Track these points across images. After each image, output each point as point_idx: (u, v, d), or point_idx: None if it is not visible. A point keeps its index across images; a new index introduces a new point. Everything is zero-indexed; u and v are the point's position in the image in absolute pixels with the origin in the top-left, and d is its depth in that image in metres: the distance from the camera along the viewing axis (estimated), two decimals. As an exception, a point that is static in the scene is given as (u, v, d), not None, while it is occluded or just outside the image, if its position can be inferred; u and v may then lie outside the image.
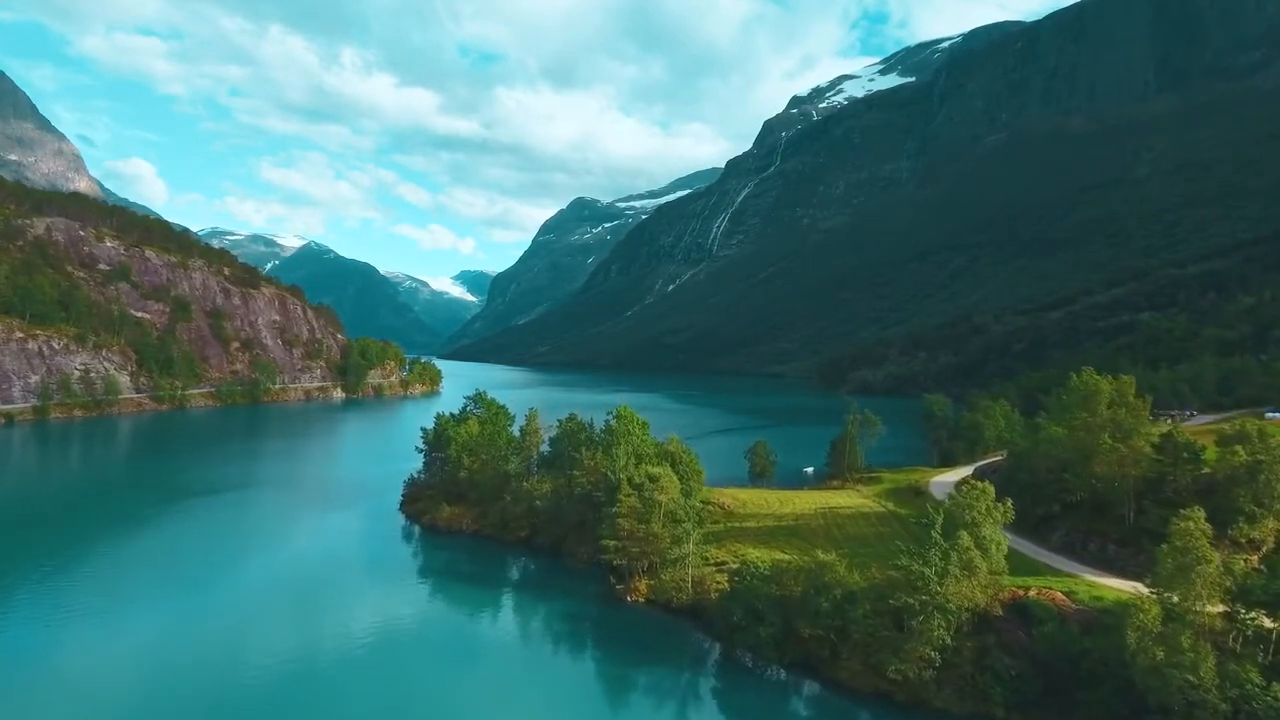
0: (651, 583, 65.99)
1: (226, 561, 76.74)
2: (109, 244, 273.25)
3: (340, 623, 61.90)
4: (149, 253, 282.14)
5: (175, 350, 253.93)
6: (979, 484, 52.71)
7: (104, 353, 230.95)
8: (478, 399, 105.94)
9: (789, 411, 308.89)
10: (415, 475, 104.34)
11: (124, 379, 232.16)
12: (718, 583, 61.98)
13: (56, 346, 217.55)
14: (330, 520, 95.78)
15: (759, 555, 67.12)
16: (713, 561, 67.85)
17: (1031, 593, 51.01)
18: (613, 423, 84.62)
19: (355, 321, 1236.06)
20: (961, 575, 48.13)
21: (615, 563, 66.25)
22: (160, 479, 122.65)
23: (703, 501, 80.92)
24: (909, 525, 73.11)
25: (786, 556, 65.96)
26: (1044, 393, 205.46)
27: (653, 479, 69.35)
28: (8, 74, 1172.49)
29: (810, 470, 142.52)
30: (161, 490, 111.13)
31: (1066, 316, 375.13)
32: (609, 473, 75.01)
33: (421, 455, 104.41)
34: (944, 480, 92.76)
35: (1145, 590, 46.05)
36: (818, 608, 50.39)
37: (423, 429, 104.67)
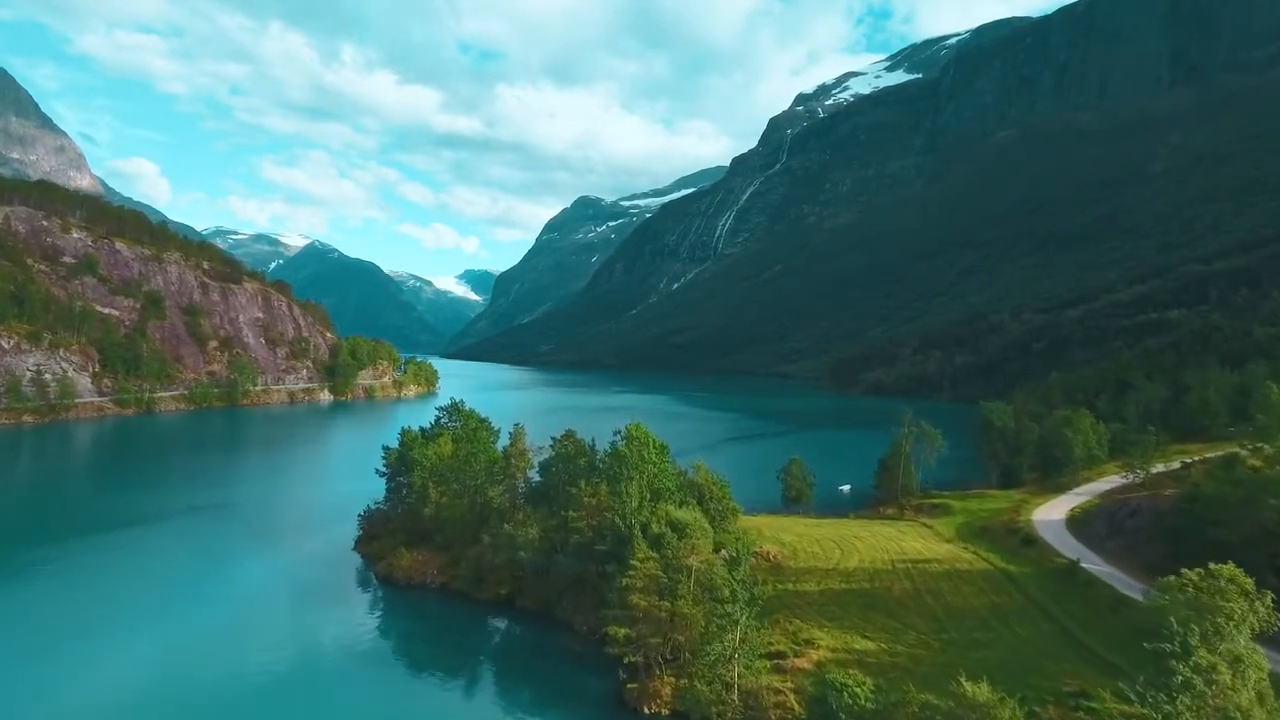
0: (679, 683, 44.81)
1: (110, 629, 57.47)
2: (75, 235, 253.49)
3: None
4: (119, 245, 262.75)
5: (144, 349, 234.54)
6: (1221, 568, 33.37)
7: (61, 352, 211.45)
8: (453, 410, 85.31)
9: (804, 414, 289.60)
10: (375, 505, 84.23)
11: (84, 381, 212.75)
12: (778, 695, 41.98)
13: (6, 345, 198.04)
14: (265, 563, 75.81)
15: (829, 641, 47.55)
16: (763, 650, 47.20)
17: (1323, 754, 31.68)
18: (621, 446, 62.63)
19: (359, 321, 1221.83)
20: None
21: (628, 660, 46.00)
22: (78, 503, 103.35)
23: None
24: (1032, 594, 53.22)
25: (870, 645, 46.43)
26: (1096, 395, 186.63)
27: (678, 529, 49.33)
28: (9, 72, 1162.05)
29: (846, 488, 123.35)
30: (68, 521, 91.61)
31: (1087, 314, 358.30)
32: (616, 517, 54.94)
33: (384, 480, 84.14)
34: (1047, 518, 72.27)
35: None
36: (968, 777, 30.95)
37: (384, 447, 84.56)
